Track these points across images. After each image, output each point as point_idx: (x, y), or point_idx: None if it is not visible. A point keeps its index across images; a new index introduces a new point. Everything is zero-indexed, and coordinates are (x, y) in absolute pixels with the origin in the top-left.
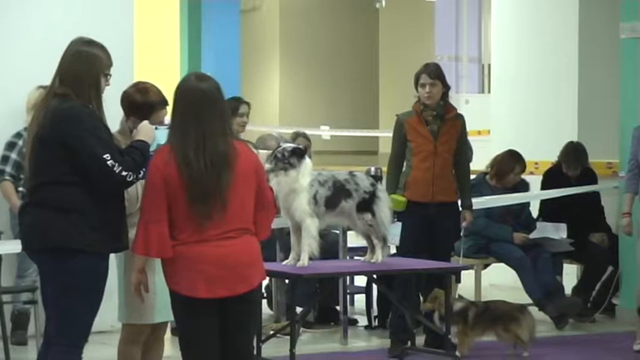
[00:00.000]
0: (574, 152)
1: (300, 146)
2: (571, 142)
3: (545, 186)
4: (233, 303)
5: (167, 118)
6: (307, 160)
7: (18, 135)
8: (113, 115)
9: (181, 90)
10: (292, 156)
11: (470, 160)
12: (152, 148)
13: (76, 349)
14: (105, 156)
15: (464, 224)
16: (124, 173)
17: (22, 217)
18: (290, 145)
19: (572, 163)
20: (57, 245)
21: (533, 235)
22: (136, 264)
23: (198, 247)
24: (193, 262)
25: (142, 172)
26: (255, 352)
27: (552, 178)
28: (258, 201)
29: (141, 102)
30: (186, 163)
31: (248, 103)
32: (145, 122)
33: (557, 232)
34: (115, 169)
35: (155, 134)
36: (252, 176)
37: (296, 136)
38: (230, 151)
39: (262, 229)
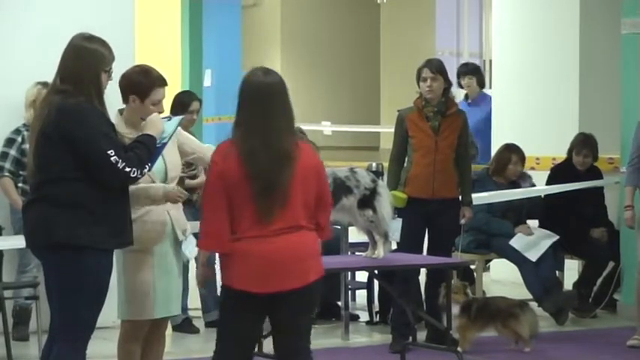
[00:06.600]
0: (584, 138)
1: None
2: (582, 132)
3: (553, 181)
4: (285, 299)
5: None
6: None
7: (17, 131)
8: (116, 110)
9: (248, 84)
10: None
11: (475, 158)
12: (165, 140)
13: (80, 345)
14: (109, 152)
15: (463, 221)
16: (127, 169)
17: (25, 214)
18: None
19: (583, 149)
20: (61, 241)
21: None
22: (200, 258)
23: (255, 242)
24: (248, 256)
25: (147, 168)
26: (259, 348)
27: (561, 173)
28: (318, 202)
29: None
30: (252, 157)
31: (200, 100)
32: (154, 115)
33: (547, 238)
34: (118, 165)
35: (164, 126)
36: (313, 176)
37: None
38: (293, 147)
39: (324, 229)
